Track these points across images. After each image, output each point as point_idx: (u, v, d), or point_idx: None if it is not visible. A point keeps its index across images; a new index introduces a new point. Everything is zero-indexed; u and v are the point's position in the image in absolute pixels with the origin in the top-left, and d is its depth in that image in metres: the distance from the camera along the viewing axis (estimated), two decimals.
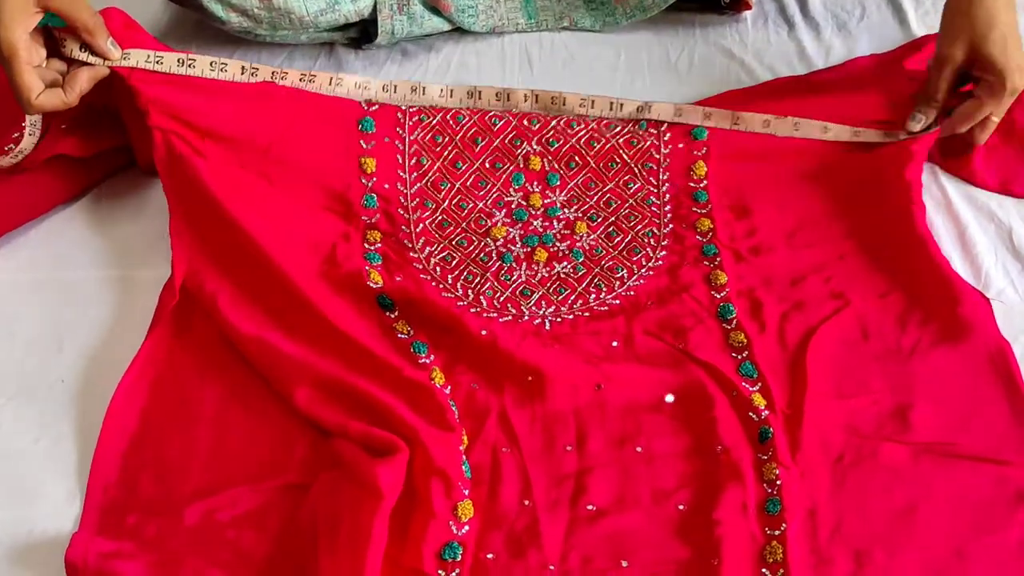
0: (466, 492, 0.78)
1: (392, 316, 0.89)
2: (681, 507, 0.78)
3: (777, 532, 0.76)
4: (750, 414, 0.82)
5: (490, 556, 0.76)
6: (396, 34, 1.11)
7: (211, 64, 0.95)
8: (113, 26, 0.91)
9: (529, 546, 0.76)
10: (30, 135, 0.93)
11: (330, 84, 1.00)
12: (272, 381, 0.84)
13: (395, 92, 1.01)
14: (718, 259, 0.93)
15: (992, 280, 0.91)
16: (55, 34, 0.89)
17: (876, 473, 0.79)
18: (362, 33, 1.14)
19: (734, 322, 0.88)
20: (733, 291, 0.91)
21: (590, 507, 0.78)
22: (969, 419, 0.82)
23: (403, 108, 1.01)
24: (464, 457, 0.79)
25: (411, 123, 1.00)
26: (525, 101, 1.01)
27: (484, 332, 0.86)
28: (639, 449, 0.81)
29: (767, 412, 0.82)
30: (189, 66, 0.94)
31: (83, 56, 0.90)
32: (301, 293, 0.87)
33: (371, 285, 0.90)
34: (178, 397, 0.85)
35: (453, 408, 0.81)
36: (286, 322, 0.87)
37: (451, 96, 1.01)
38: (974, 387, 0.84)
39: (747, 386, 0.84)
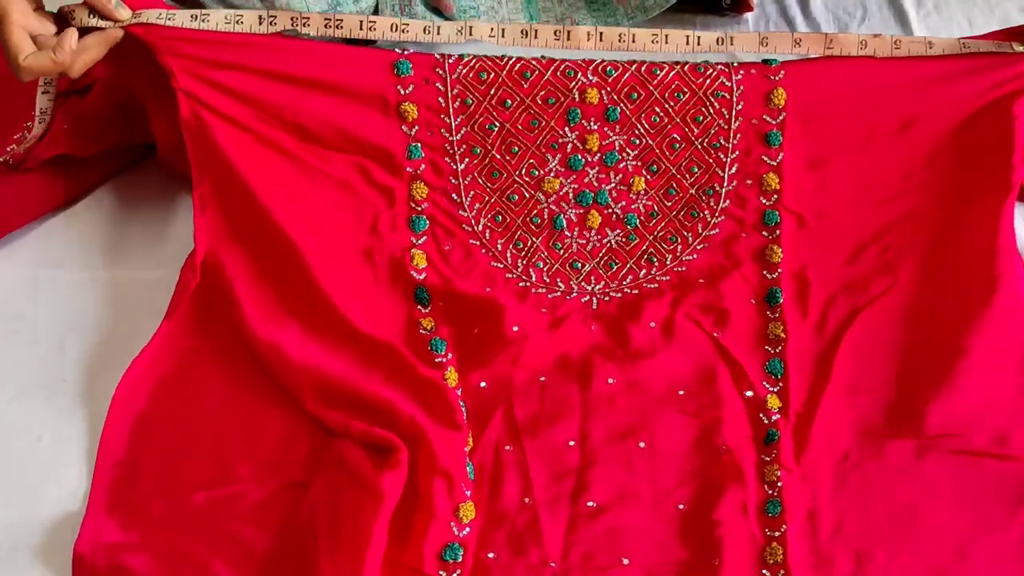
0: (468, 493, 0.78)
1: (424, 311, 0.88)
2: (681, 506, 0.78)
3: (777, 533, 0.76)
4: (760, 415, 0.82)
5: (491, 555, 0.76)
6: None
7: (226, 17, 0.89)
8: None
9: (530, 543, 0.76)
10: (40, 123, 0.92)
11: (360, 28, 0.90)
12: (281, 378, 0.84)
13: (438, 34, 0.90)
14: (778, 231, 0.90)
15: None
16: (63, 11, 0.87)
17: (879, 473, 0.79)
18: None
19: (778, 310, 0.87)
20: (786, 271, 0.88)
21: (591, 504, 0.78)
22: (980, 412, 0.81)
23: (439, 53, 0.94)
24: (468, 459, 0.79)
25: (451, 61, 0.92)
26: (588, 39, 0.90)
27: (516, 328, 0.85)
28: (642, 445, 0.81)
29: (778, 415, 0.82)
30: (203, 20, 0.88)
31: (93, 22, 0.86)
32: (320, 285, 0.85)
33: (413, 275, 0.88)
34: (185, 387, 0.85)
35: (463, 408, 0.81)
36: (303, 314, 0.85)
37: (503, 36, 0.90)
38: (991, 379, 0.83)
39: (768, 386, 0.83)
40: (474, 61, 0.92)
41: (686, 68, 0.91)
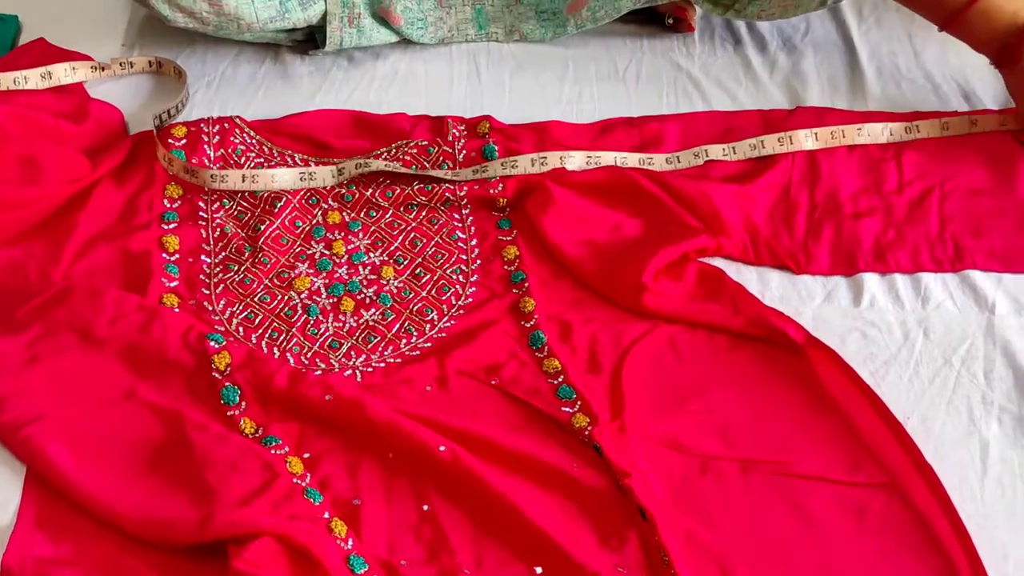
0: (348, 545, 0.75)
1: (237, 412, 0.83)
2: (539, 570, 0.75)
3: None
4: (578, 437, 0.81)
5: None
6: (344, 45, 1.11)
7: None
8: None
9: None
10: None
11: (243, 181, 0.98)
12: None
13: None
14: (526, 284, 0.92)
15: (932, 293, 0.92)
16: None
17: (712, 488, 0.79)
18: (308, 36, 1.14)
19: (545, 349, 0.88)
20: (542, 316, 0.90)
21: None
22: (790, 439, 0.82)
23: (204, 197, 0.98)
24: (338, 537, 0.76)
25: (214, 208, 0.98)
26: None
27: (329, 398, 0.82)
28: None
29: (590, 428, 0.81)
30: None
31: None
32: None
33: (215, 375, 0.84)
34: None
35: (315, 501, 0.78)
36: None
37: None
38: (791, 408, 0.84)
39: (567, 409, 0.83)
40: (232, 205, 0.98)
41: (416, 188, 0.98)
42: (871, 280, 0.93)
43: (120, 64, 1.11)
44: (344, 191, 0.99)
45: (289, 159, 1.02)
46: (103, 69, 1.10)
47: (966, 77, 1.11)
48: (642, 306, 0.90)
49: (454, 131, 1.03)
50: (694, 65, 1.14)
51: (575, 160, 1.00)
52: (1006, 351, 0.88)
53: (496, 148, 1.02)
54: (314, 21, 1.09)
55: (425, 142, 1.02)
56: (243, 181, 0.98)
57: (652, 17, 1.17)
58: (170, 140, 1.02)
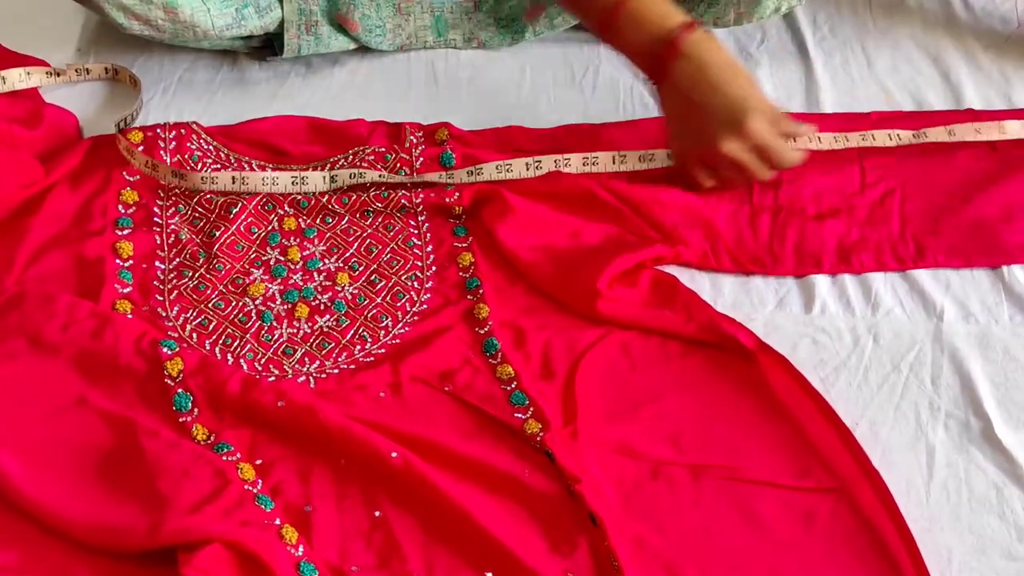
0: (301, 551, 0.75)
1: (189, 418, 0.83)
2: (489, 575, 0.75)
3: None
4: (530, 443, 0.82)
5: None
6: (302, 52, 1.12)
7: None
8: None
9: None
10: None
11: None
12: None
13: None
14: (480, 291, 0.93)
15: (881, 299, 0.94)
16: None
17: (663, 493, 0.80)
18: (265, 43, 1.13)
19: (499, 356, 0.88)
20: (496, 323, 0.90)
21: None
22: (740, 445, 0.83)
23: (159, 203, 0.98)
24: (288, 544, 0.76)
25: (168, 214, 0.97)
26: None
27: (281, 404, 0.82)
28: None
29: (542, 434, 0.81)
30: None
31: None
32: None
33: (168, 382, 0.84)
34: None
35: (266, 507, 0.77)
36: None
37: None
38: (741, 414, 0.85)
39: (519, 415, 0.83)
40: (187, 210, 0.98)
41: (372, 195, 0.99)
42: (822, 287, 0.94)
43: (76, 70, 1.10)
44: (300, 197, 0.99)
45: (246, 165, 1.02)
46: (59, 75, 1.09)
47: (918, 86, 1.12)
48: (596, 312, 0.90)
49: (411, 137, 1.04)
50: None
51: (543, 164, 1.00)
52: (953, 358, 0.89)
53: (453, 155, 1.02)
54: (271, 28, 1.09)
55: (382, 148, 1.02)
56: (233, 183, 0.98)
57: None
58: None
